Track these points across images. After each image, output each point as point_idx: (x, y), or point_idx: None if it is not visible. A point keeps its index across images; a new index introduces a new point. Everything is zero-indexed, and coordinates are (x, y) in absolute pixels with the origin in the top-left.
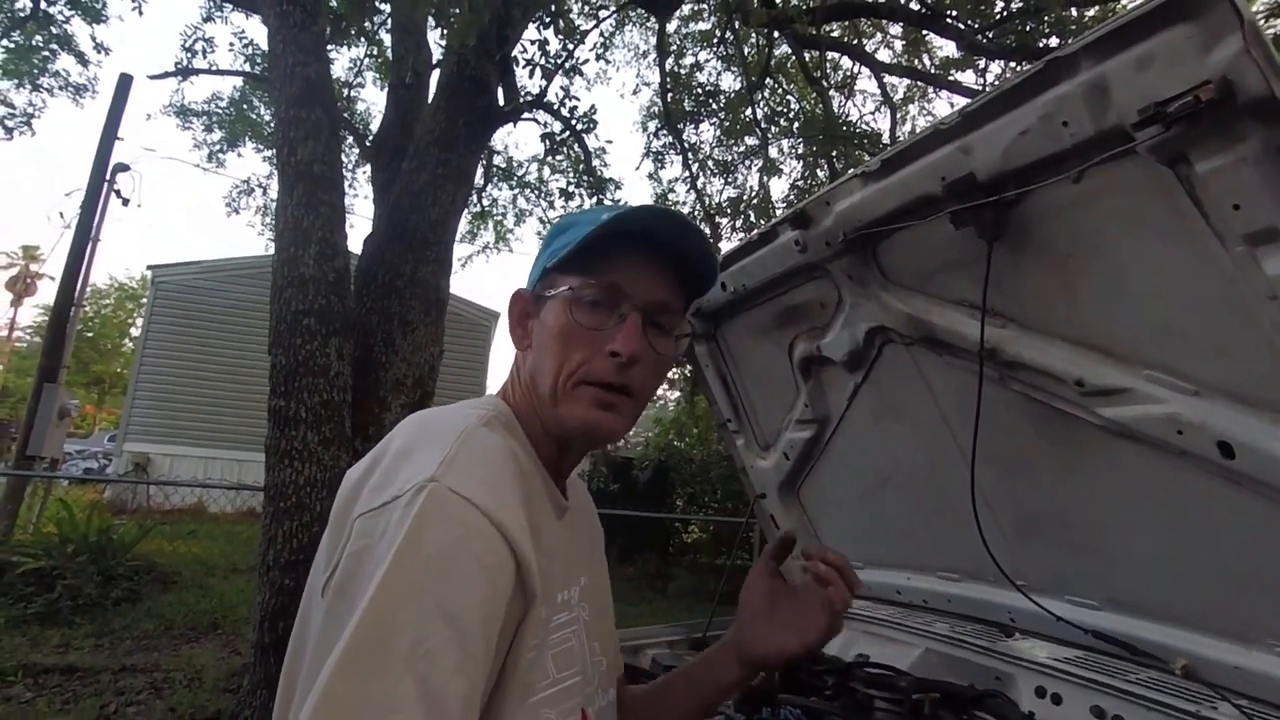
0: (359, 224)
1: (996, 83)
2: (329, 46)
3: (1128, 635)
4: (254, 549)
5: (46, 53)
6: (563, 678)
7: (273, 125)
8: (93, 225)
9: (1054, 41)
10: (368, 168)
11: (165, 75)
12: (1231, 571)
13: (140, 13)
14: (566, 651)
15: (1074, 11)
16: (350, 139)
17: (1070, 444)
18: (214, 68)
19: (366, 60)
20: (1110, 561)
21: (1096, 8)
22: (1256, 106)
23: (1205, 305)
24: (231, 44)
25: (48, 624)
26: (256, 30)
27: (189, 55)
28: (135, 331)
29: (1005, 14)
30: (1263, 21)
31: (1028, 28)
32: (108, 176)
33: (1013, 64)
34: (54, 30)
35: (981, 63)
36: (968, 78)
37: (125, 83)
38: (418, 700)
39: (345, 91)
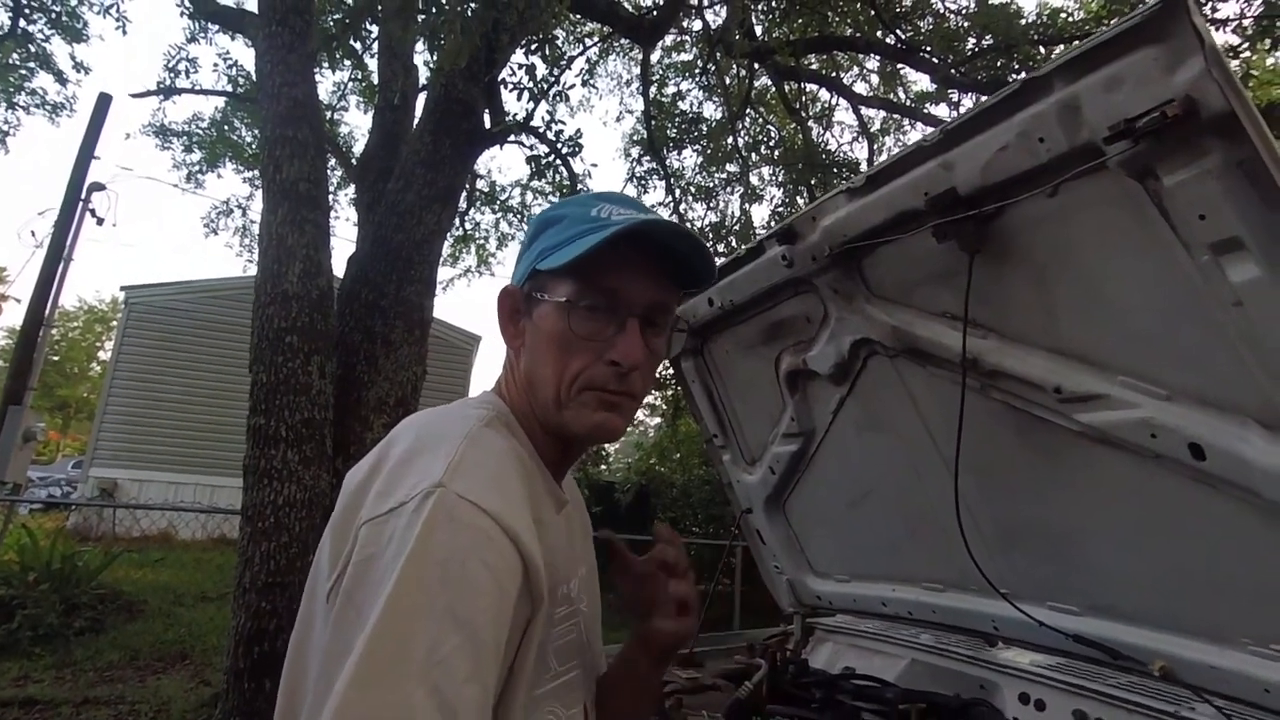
0: (340, 245)
1: (969, 109)
2: (315, 69)
3: (1108, 639)
4: (225, 576)
5: (24, 71)
6: (564, 670)
7: (256, 145)
8: (65, 245)
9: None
10: (350, 189)
11: (147, 94)
12: (1205, 573)
13: (124, 32)
14: (568, 645)
15: (1042, 50)
16: (334, 160)
17: (1050, 451)
18: (197, 87)
19: (351, 84)
20: (1090, 566)
21: (1062, 46)
22: (1218, 123)
23: (1175, 312)
24: (215, 65)
25: (6, 655)
26: (241, 51)
27: (172, 75)
28: (104, 355)
29: (977, 50)
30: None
31: (998, 64)
32: (83, 195)
33: (984, 98)
34: (32, 49)
35: (954, 96)
36: (941, 111)
37: (104, 101)
38: (433, 709)
39: (330, 114)
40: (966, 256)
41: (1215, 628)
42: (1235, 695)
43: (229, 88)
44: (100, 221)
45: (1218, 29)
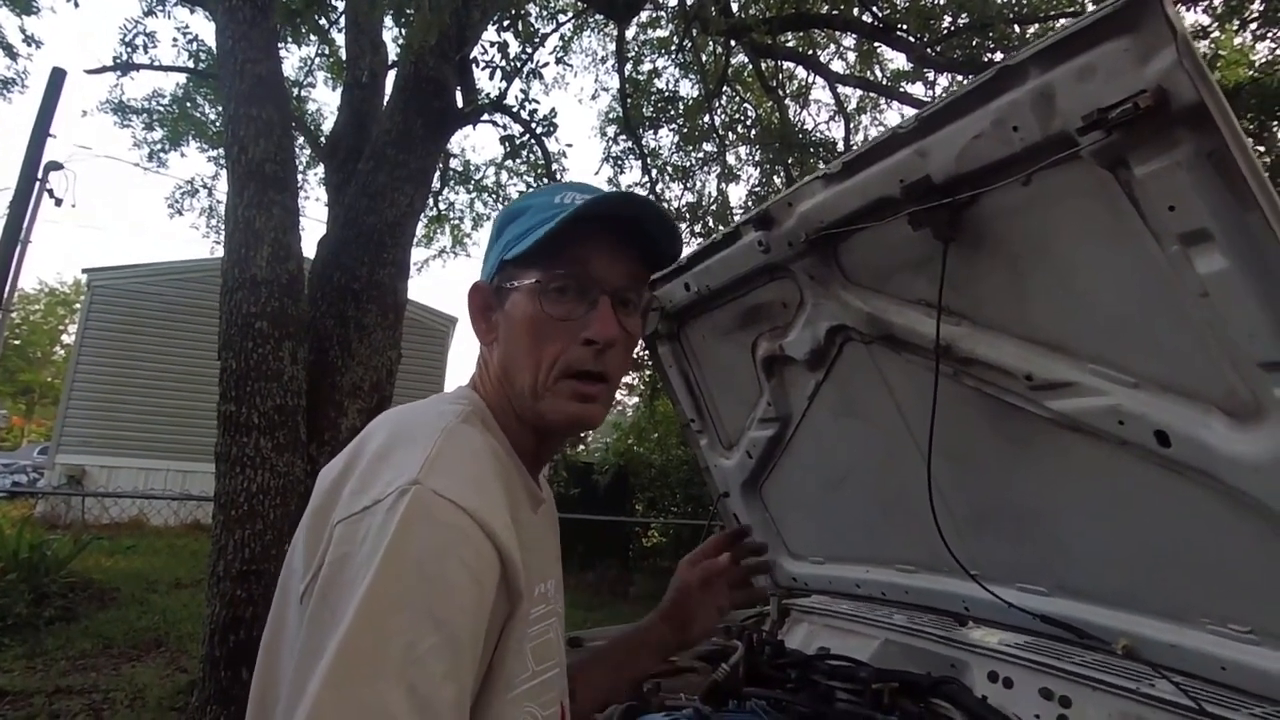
0: (311, 227)
1: (945, 95)
2: (280, 44)
3: (1074, 619)
4: (199, 562)
5: None
6: (542, 670)
7: (220, 123)
8: (22, 226)
9: (999, 56)
10: (319, 169)
11: (103, 70)
12: (1168, 555)
13: (76, 5)
14: (545, 644)
15: (1016, 29)
16: (302, 139)
17: (1020, 437)
18: (155, 63)
19: (318, 59)
20: (1058, 549)
21: (1037, 25)
22: (1189, 114)
23: (1144, 302)
24: (175, 39)
25: None
26: (202, 25)
27: (129, 50)
28: (67, 339)
29: (953, 29)
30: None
31: (974, 43)
32: (39, 175)
33: (960, 77)
34: None
35: (930, 75)
36: (917, 90)
37: (58, 77)
38: (409, 709)
39: (296, 91)
40: (941, 244)
41: (1176, 608)
42: (1194, 672)
43: (190, 64)
44: (59, 202)
45: (1187, 8)
